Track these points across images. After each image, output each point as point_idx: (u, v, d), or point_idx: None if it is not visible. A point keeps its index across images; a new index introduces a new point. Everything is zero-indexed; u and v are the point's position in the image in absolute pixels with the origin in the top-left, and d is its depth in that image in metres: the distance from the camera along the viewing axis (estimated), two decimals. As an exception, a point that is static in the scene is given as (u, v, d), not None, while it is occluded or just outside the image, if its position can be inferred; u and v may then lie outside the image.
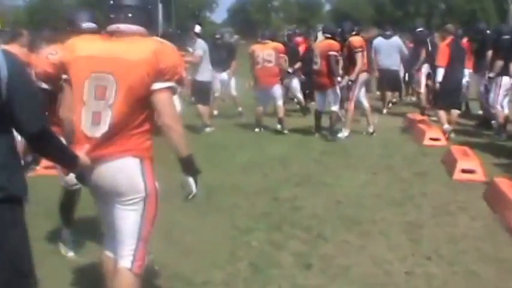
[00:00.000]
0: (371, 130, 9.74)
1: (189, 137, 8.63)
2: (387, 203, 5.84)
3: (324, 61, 9.29)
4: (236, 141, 9.37)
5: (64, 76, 2.95)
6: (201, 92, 10.22)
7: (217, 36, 12.27)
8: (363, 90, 9.77)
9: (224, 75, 11.89)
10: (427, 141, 8.85)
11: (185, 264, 4.20)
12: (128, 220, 2.86)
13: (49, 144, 2.47)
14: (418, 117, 10.61)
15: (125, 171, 2.82)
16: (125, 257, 2.89)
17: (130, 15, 2.84)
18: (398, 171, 7.23)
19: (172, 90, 2.82)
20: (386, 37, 12.44)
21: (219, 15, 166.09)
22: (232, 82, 12.28)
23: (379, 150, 8.53)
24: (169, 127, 2.79)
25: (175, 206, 5.71)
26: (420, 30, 12.97)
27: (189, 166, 2.92)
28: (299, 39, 14.24)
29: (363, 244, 4.68)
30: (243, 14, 67.68)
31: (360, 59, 9.38)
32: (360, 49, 9.39)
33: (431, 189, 6.33)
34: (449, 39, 9.51)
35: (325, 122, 9.84)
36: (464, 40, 11.42)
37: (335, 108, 9.50)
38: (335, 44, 9.41)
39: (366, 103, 9.82)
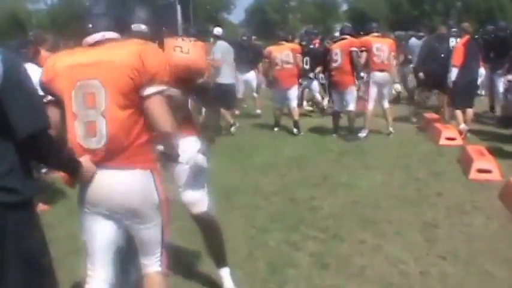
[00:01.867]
0: (390, 130, 9.71)
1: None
2: (403, 203, 5.84)
3: (346, 57, 9.32)
4: (253, 142, 9.43)
5: (48, 98, 2.77)
6: (224, 95, 10.03)
7: (244, 37, 12.44)
8: (385, 90, 9.75)
9: (249, 76, 11.95)
10: (443, 141, 8.82)
11: (202, 264, 4.23)
12: (150, 237, 2.82)
13: (43, 149, 2.37)
14: (434, 116, 10.57)
15: (136, 184, 2.70)
16: (153, 264, 2.87)
17: (108, 22, 2.71)
18: (414, 171, 7.22)
19: (163, 93, 2.69)
20: (420, 38, 12.44)
21: (236, 16, 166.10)
22: (255, 83, 12.36)
23: (395, 150, 8.52)
24: (167, 135, 2.72)
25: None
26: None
27: (172, 160, 3.01)
28: (316, 41, 14.21)
29: (378, 244, 4.70)
30: (260, 15, 67.62)
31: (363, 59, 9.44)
32: (364, 49, 9.45)
33: (447, 189, 6.32)
34: (465, 38, 9.45)
35: (342, 122, 9.87)
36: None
37: (352, 107, 9.52)
38: (355, 41, 9.51)
39: (386, 103, 9.82)
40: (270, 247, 4.66)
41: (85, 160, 2.63)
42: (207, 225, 3.62)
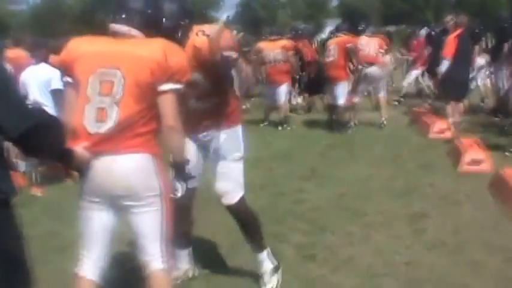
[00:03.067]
0: (383, 120, 9.88)
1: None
2: (392, 195, 5.86)
3: (341, 53, 9.43)
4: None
5: (66, 79, 2.87)
6: None
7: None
8: (380, 84, 9.98)
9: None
10: (432, 134, 8.90)
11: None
12: (150, 221, 2.82)
13: (37, 144, 2.37)
14: (424, 109, 10.62)
15: (137, 168, 2.74)
16: (155, 259, 2.85)
17: (140, 19, 2.81)
18: (404, 163, 7.26)
19: (178, 92, 2.79)
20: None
21: (225, 13, 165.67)
22: None
23: (385, 143, 8.58)
24: (171, 128, 2.76)
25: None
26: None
27: (181, 171, 2.95)
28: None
29: (366, 235, 4.72)
30: (248, 11, 67.62)
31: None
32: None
33: (436, 181, 6.35)
34: (459, 31, 9.44)
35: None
36: None
37: (341, 101, 9.59)
38: (352, 38, 9.62)
39: (382, 93, 10.05)
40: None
41: (79, 148, 2.66)
42: (239, 216, 3.70)
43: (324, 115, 10.82)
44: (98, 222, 2.84)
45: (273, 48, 10.11)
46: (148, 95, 2.72)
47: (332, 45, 9.69)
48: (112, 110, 2.69)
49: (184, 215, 3.82)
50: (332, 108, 10.01)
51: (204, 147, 3.66)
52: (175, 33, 3.18)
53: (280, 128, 10.21)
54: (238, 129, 3.70)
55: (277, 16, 66.75)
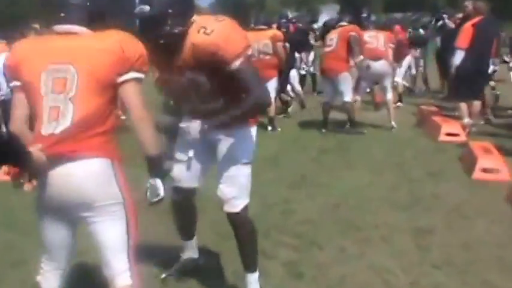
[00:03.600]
0: (393, 124, 10.00)
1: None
2: (393, 206, 5.93)
3: (342, 42, 9.58)
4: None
5: (14, 83, 2.95)
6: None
7: None
8: (386, 81, 10.13)
9: None
10: (442, 137, 9.00)
11: (159, 274, 4.29)
12: (113, 233, 2.90)
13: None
14: (433, 109, 10.73)
15: (94, 175, 2.81)
16: (121, 274, 2.93)
17: (83, 15, 2.90)
18: (408, 170, 7.35)
19: (140, 81, 2.90)
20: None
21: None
22: None
23: (387, 147, 8.67)
24: (140, 120, 2.85)
25: (148, 212, 5.83)
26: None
27: (157, 166, 3.00)
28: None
29: (361, 252, 4.77)
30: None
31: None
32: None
33: (445, 191, 6.43)
34: (477, 18, 9.51)
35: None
36: None
37: (348, 98, 9.71)
38: (356, 28, 9.81)
39: (389, 94, 10.12)
40: (236, 255, 4.68)
41: (35, 150, 2.71)
42: (239, 227, 3.80)
43: (317, 114, 10.91)
44: (57, 233, 2.95)
45: (259, 39, 10.14)
46: (105, 90, 2.83)
47: (332, 35, 9.87)
48: (67, 109, 2.78)
49: (184, 215, 4.10)
50: (327, 107, 10.10)
51: (211, 148, 3.74)
52: (161, 24, 3.28)
53: (269, 128, 10.26)
54: (251, 130, 3.83)
55: (266, 2, 66.75)
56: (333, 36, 9.82)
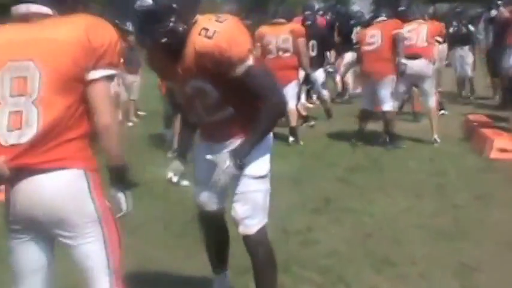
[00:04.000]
0: (435, 137, 9.91)
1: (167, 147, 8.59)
2: (434, 237, 5.85)
3: (387, 41, 9.58)
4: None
5: None
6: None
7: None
8: (426, 83, 10.02)
9: None
10: (494, 153, 8.91)
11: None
12: (90, 254, 2.91)
13: None
14: (482, 119, 10.60)
15: (65, 188, 2.80)
16: None
17: None
18: (452, 193, 7.26)
19: (111, 79, 2.88)
20: None
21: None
22: None
23: (427, 166, 8.61)
24: (105, 127, 2.84)
25: (153, 240, 5.81)
26: None
27: (121, 177, 3.02)
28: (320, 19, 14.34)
29: (397, 291, 4.70)
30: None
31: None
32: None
33: (496, 218, 6.33)
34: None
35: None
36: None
37: (389, 106, 9.67)
38: (400, 23, 9.77)
39: (431, 101, 10.04)
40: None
41: None
42: (256, 253, 3.82)
43: (345, 124, 10.87)
44: (28, 254, 2.95)
45: (278, 34, 10.08)
46: (73, 88, 2.79)
47: (374, 30, 9.84)
48: (30, 113, 2.74)
49: (214, 240, 4.16)
50: (365, 115, 10.02)
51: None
52: (163, 20, 3.26)
53: (291, 139, 10.22)
54: (266, 140, 3.78)
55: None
56: (374, 33, 9.78)
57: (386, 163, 8.85)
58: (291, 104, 10.20)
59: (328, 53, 13.43)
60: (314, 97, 14.17)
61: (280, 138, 10.48)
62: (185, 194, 7.05)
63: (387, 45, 9.57)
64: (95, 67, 2.80)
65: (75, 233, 2.85)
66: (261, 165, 3.76)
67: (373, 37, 9.73)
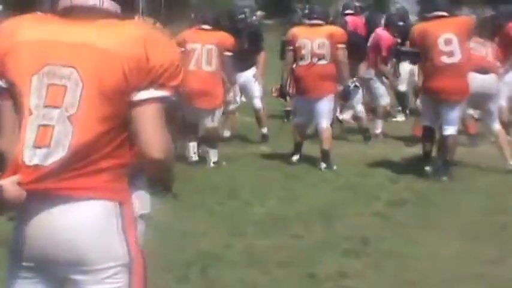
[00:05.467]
0: (510, 165, 9.84)
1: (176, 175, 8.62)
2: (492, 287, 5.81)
3: (465, 48, 9.40)
4: (253, 182, 9.53)
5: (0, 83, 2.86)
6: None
7: (240, 16, 12.50)
8: (491, 103, 10.03)
9: (248, 75, 12.26)
10: None
11: None
12: None
13: None
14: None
15: (92, 222, 2.74)
16: None
17: None
18: (517, 235, 7.20)
19: (164, 102, 2.80)
20: None
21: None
22: (257, 88, 12.57)
23: (485, 201, 8.55)
24: (154, 162, 2.78)
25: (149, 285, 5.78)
26: None
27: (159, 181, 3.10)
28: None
29: None
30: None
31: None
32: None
33: None
34: None
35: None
36: None
37: (455, 130, 9.55)
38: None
39: (495, 124, 10.03)
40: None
41: (10, 183, 2.64)
42: None
43: (386, 147, 10.86)
44: None
45: (312, 37, 10.10)
46: (117, 111, 2.74)
47: (447, 33, 9.38)
48: (63, 131, 2.69)
49: None
50: (429, 136, 9.87)
51: None
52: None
53: (323, 165, 10.24)
54: None
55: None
56: (449, 36, 9.34)
57: (435, 197, 8.79)
58: (324, 123, 10.26)
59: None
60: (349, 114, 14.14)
61: (308, 162, 10.55)
62: (189, 230, 7.15)
63: (466, 55, 9.36)
64: (145, 87, 2.74)
65: (96, 277, 2.76)
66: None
67: (450, 43, 9.34)
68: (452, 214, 8.01)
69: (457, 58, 9.32)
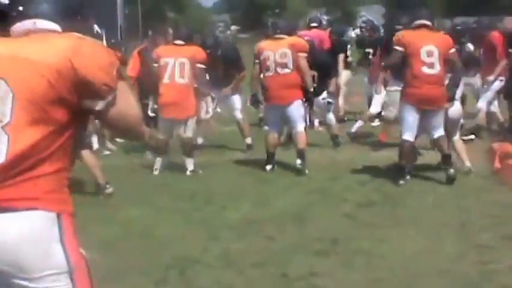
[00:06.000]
0: (467, 166, 9.98)
1: (149, 181, 8.69)
2: (456, 283, 5.88)
3: (444, 61, 9.38)
4: (228, 188, 9.61)
5: None
6: None
7: (215, 32, 12.65)
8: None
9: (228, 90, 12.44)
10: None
11: None
12: None
13: None
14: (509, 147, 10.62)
15: (32, 232, 2.73)
16: None
17: (45, 7, 2.95)
18: (477, 233, 7.28)
19: (111, 105, 2.89)
20: None
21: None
22: (237, 100, 12.71)
23: (449, 201, 8.63)
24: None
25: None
26: None
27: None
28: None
29: None
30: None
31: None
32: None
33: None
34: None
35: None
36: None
37: (441, 131, 9.65)
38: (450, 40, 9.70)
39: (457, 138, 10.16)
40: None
41: None
42: None
43: (354, 152, 10.95)
44: None
45: (276, 48, 10.26)
46: (52, 116, 2.78)
47: (429, 45, 9.41)
48: (0, 141, 2.72)
49: None
50: (409, 146, 9.75)
51: None
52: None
53: (299, 162, 10.39)
54: None
55: (288, 1, 67.09)
56: (431, 49, 9.38)
57: (401, 198, 8.85)
58: (299, 127, 10.44)
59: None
60: (316, 122, 14.24)
61: (281, 166, 10.70)
62: (171, 235, 7.23)
63: (445, 67, 9.41)
64: (91, 97, 2.84)
65: (39, 285, 2.76)
66: None
67: (431, 55, 9.37)
68: (417, 213, 8.10)
69: (436, 70, 9.36)
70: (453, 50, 9.59)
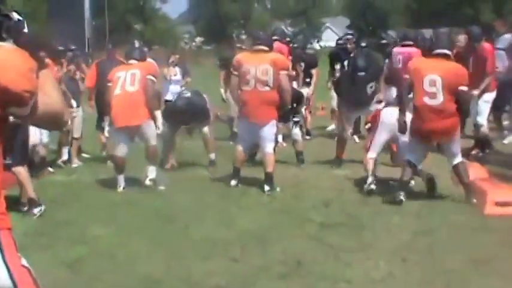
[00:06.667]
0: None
1: (113, 199, 8.63)
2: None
3: (449, 95, 9.09)
4: (191, 207, 9.47)
5: None
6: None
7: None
8: None
9: None
10: (491, 208, 8.84)
11: None
12: None
13: None
14: (476, 167, 10.57)
15: None
16: None
17: None
18: (443, 256, 7.23)
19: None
20: None
21: (174, 7, 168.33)
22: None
23: (414, 223, 8.59)
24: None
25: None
26: None
27: None
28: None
29: None
30: (210, 5, 68.53)
31: None
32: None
33: (496, 286, 6.32)
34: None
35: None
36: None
37: (459, 158, 9.50)
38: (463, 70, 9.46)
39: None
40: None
41: None
42: None
43: (319, 170, 10.86)
44: None
45: (258, 63, 10.11)
46: None
47: (434, 73, 9.14)
48: None
49: None
50: (413, 169, 9.67)
51: None
52: None
53: (267, 188, 10.29)
54: None
55: (252, 13, 67.66)
56: (434, 78, 9.09)
57: (367, 219, 8.80)
58: (268, 148, 10.35)
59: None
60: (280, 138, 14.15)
61: (244, 184, 10.57)
62: (135, 254, 7.11)
63: (451, 99, 9.12)
64: (15, 105, 2.81)
65: None
66: None
67: (433, 85, 9.09)
68: (381, 236, 8.05)
69: (438, 101, 9.10)
70: (465, 87, 9.21)
